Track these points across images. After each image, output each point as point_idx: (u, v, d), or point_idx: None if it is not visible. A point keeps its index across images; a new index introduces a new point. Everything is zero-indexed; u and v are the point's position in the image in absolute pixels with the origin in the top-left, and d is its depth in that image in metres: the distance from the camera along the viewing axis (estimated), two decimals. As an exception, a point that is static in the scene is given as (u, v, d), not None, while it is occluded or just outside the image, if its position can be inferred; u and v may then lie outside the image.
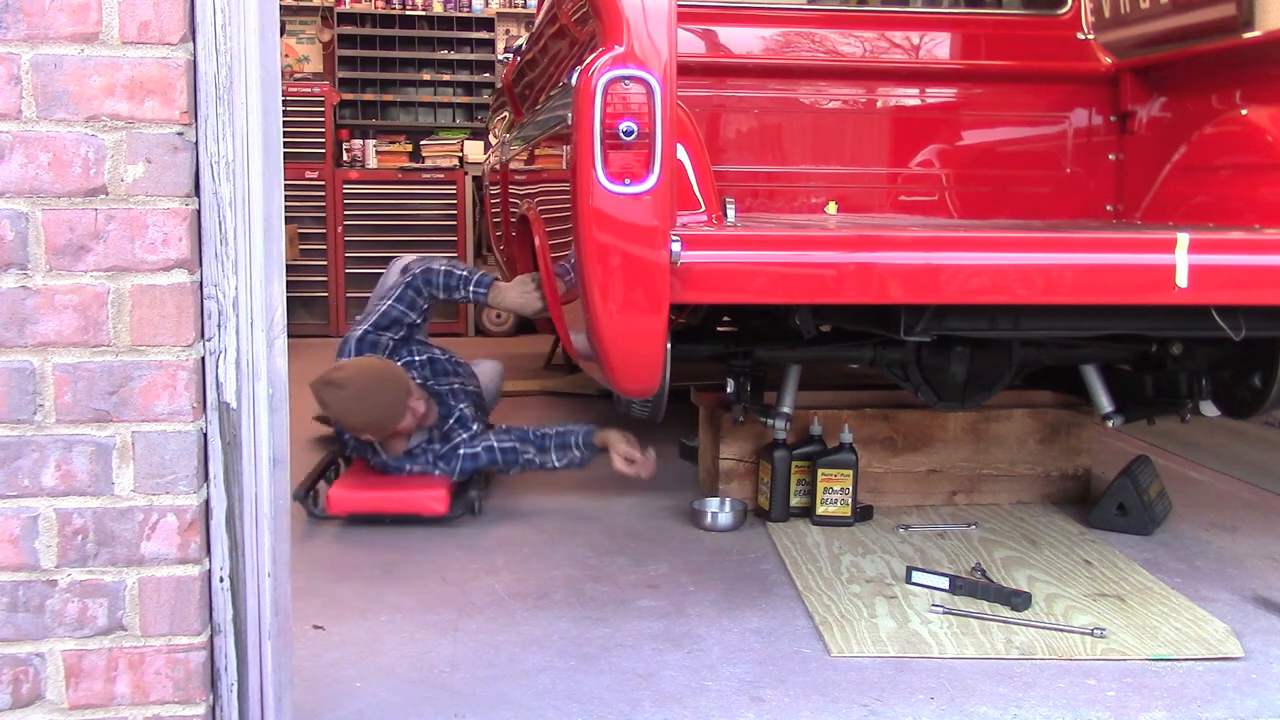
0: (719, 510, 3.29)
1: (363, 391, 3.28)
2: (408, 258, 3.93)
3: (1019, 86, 3.94)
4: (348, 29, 8.09)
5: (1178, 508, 3.44)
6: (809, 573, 2.86)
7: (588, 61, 2.35)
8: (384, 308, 3.56)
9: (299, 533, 1.95)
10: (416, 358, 3.63)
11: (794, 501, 3.29)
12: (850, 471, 3.24)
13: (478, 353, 4.23)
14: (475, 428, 3.57)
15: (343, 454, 3.69)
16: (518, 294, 3.43)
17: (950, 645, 2.41)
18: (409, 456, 3.48)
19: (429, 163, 7.74)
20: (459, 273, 3.49)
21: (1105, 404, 3.28)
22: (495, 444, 3.50)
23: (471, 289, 3.46)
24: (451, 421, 3.55)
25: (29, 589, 1.64)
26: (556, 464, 3.51)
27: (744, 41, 3.96)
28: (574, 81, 2.40)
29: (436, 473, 3.46)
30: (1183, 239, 2.46)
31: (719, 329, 3.71)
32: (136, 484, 1.64)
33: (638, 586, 2.78)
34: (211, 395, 1.67)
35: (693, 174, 2.61)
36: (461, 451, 3.48)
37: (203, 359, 1.66)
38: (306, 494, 3.31)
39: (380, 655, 2.34)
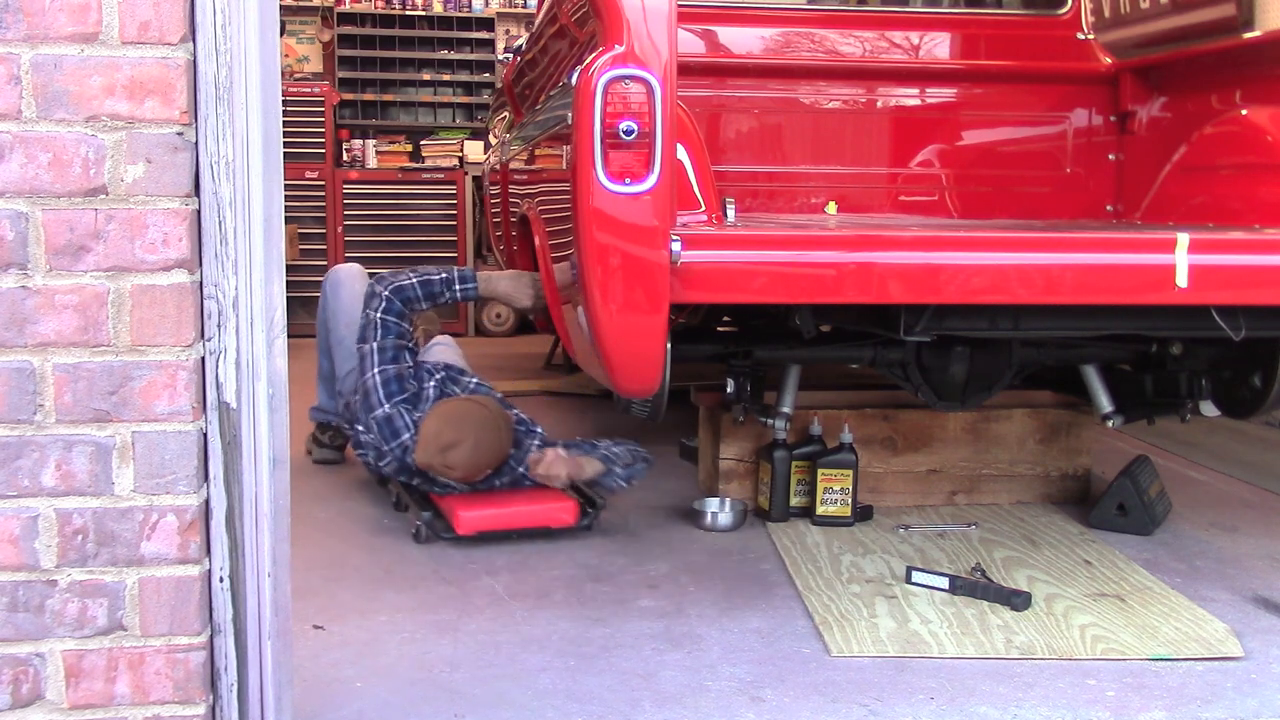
0: (719, 510, 3.28)
1: (481, 437, 3.11)
2: (344, 274, 3.84)
3: (1019, 86, 3.94)
4: (348, 29, 8.08)
5: (1178, 508, 3.44)
6: (809, 573, 2.86)
7: (588, 61, 2.35)
8: (379, 344, 3.28)
9: (299, 533, 1.95)
10: (436, 374, 3.45)
11: (794, 501, 3.29)
12: (850, 471, 3.24)
13: (480, 352, 4.21)
14: (540, 430, 3.40)
15: (382, 481, 3.51)
16: (510, 284, 3.36)
17: (950, 645, 2.41)
18: (497, 473, 3.26)
19: (429, 163, 7.74)
20: (436, 278, 3.30)
21: (1105, 404, 3.27)
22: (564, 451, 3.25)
23: (458, 288, 3.32)
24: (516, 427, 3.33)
25: (29, 589, 1.64)
26: (620, 479, 3.27)
27: (744, 41, 3.96)
28: (574, 81, 2.40)
29: (527, 483, 3.25)
30: (1183, 239, 2.46)
31: (719, 329, 3.70)
32: (136, 484, 1.64)
33: (638, 586, 2.78)
34: (211, 395, 1.67)
35: (693, 174, 2.61)
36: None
37: (203, 359, 1.66)
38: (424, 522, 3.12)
39: (380, 655, 2.34)
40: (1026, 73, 3.93)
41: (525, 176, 3.75)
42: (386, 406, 3.25)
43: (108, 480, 1.64)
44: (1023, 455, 3.50)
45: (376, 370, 3.28)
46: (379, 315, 3.30)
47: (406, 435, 3.21)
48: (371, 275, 3.55)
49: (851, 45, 3.96)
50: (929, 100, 4.00)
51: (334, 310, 3.82)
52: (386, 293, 3.30)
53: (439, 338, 4.09)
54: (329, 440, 3.94)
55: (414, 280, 3.31)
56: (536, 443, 3.31)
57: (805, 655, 2.38)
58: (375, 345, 3.30)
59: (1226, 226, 3.07)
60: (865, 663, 2.33)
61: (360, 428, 3.36)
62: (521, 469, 3.26)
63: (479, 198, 7.08)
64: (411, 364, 3.38)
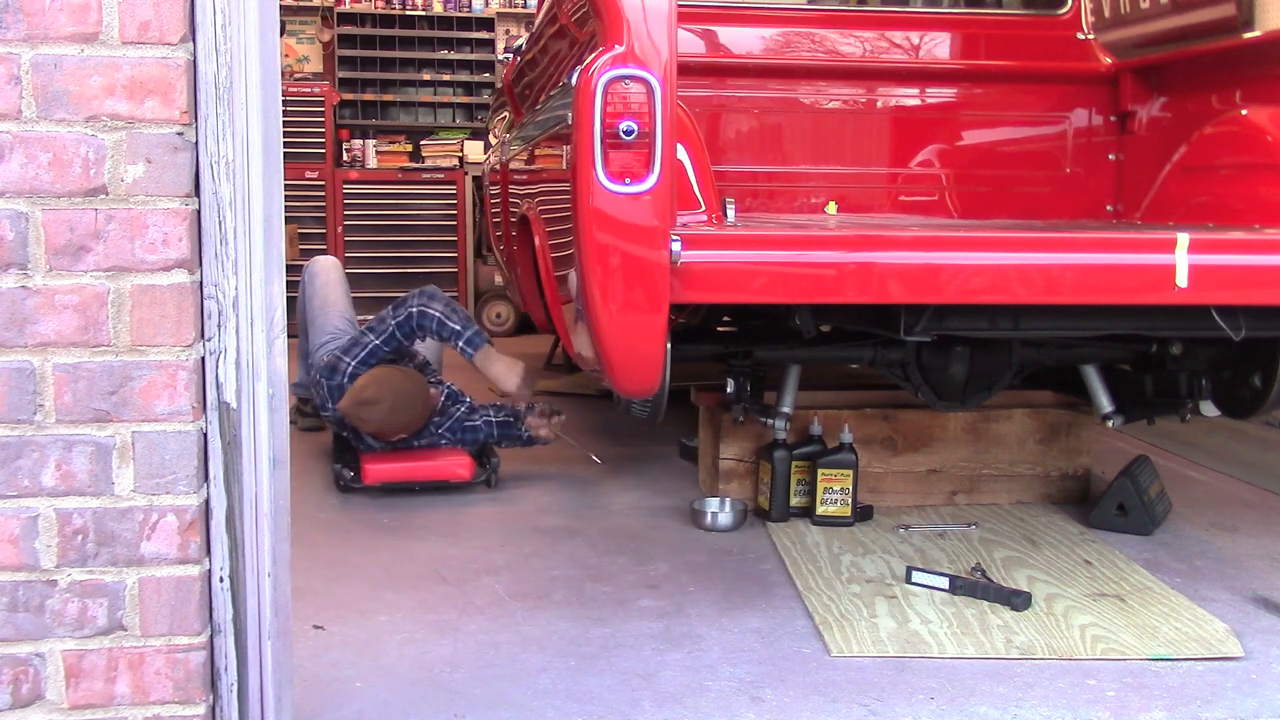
0: (719, 510, 3.28)
1: (396, 403, 3.56)
2: (321, 264, 4.38)
3: (1019, 86, 3.94)
4: (348, 29, 8.08)
5: (1178, 508, 3.44)
6: (809, 573, 2.86)
7: (588, 61, 2.35)
8: (371, 344, 3.69)
9: (299, 533, 1.95)
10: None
11: (794, 501, 3.29)
12: (850, 471, 3.24)
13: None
14: (469, 400, 3.85)
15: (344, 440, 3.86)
16: (502, 369, 3.64)
17: (950, 645, 2.41)
18: (415, 435, 3.70)
19: (429, 163, 7.74)
20: (453, 325, 3.61)
21: (1105, 404, 3.27)
22: (493, 418, 3.80)
23: (460, 344, 3.62)
24: (443, 399, 3.82)
25: (29, 589, 1.64)
26: (523, 436, 3.80)
27: (744, 41, 3.96)
28: (574, 81, 2.40)
29: (443, 444, 3.73)
30: (1183, 239, 2.46)
31: (719, 329, 3.70)
32: (136, 484, 1.64)
33: (638, 586, 2.78)
34: (211, 395, 1.67)
35: (693, 174, 2.61)
36: (465, 424, 3.77)
37: (203, 359, 1.66)
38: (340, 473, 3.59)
39: (380, 655, 2.34)
40: (1026, 73, 3.93)
41: (525, 176, 3.75)
42: (345, 359, 3.69)
43: (108, 480, 1.64)
44: (1023, 455, 3.50)
45: (357, 362, 3.68)
46: (394, 324, 3.67)
47: (343, 379, 3.65)
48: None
49: (851, 45, 3.96)
50: (929, 100, 4.00)
51: (311, 293, 4.28)
52: (415, 308, 3.64)
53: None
54: (312, 409, 4.30)
55: (438, 314, 3.63)
56: (464, 408, 3.82)
57: (805, 655, 2.38)
58: (374, 344, 3.69)
59: (1226, 226, 3.07)
60: (865, 663, 2.33)
61: (323, 379, 3.74)
62: (441, 431, 3.74)
63: (479, 198, 7.08)
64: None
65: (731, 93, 3.86)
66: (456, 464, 3.62)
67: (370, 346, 3.69)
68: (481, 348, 3.62)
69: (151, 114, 1.60)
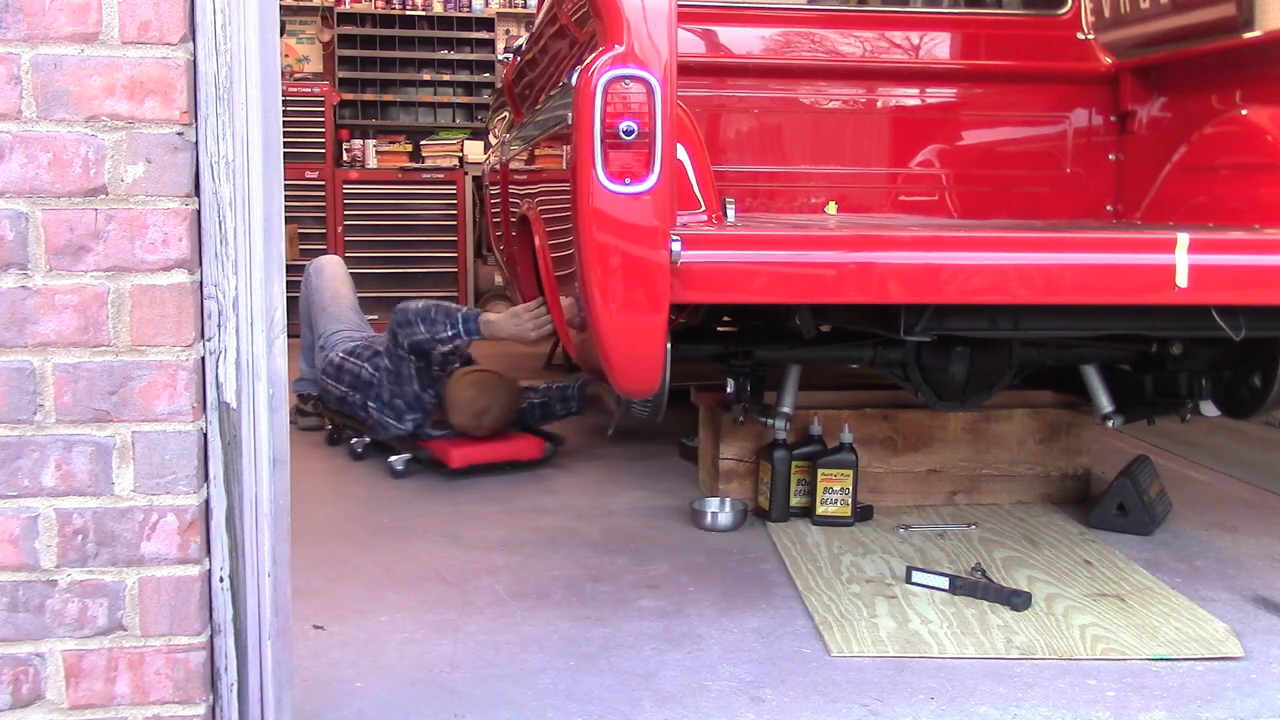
0: (719, 510, 3.28)
1: (505, 404, 3.88)
2: (326, 260, 4.65)
3: (1019, 86, 3.94)
4: (348, 29, 8.09)
5: (1178, 508, 3.44)
6: (809, 573, 2.86)
7: (588, 61, 2.35)
8: (411, 371, 3.82)
9: (299, 533, 1.95)
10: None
11: (794, 501, 3.29)
12: (850, 471, 3.24)
13: (480, 352, 4.23)
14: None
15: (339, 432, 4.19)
16: (509, 327, 3.65)
17: (950, 645, 2.41)
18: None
19: (429, 163, 7.74)
20: (445, 332, 3.68)
21: (1105, 404, 3.27)
22: (535, 400, 4.10)
23: (460, 328, 3.67)
24: None
25: (29, 589, 1.64)
26: (560, 413, 4.12)
27: (744, 41, 3.96)
28: (574, 81, 2.40)
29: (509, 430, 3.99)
30: (1183, 239, 2.45)
31: (719, 329, 3.71)
32: (136, 484, 1.64)
33: (638, 586, 2.78)
34: (211, 395, 1.67)
35: (693, 174, 2.61)
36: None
37: (203, 359, 1.66)
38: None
39: (380, 655, 2.34)
40: (1026, 73, 3.93)
41: (525, 176, 3.75)
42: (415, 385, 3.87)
43: (108, 480, 1.64)
44: (1023, 455, 3.50)
45: (394, 389, 3.86)
46: (394, 350, 3.81)
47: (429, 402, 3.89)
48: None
49: (851, 45, 3.96)
50: (929, 100, 4.00)
51: (317, 286, 4.51)
52: (405, 341, 3.75)
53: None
54: (313, 409, 4.48)
55: (423, 335, 3.71)
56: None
57: (805, 655, 2.38)
58: (408, 369, 3.82)
59: (1226, 226, 3.07)
60: (865, 663, 2.33)
61: (382, 394, 3.91)
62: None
63: (479, 198, 7.08)
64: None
65: (731, 93, 3.86)
66: (530, 445, 3.92)
67: (402, 374, 3.81)
68: (480, 326, 3.68)
69: (151, 114, 1.60)
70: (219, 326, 1.67)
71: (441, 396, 3.89)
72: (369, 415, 3.94)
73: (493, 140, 5.50)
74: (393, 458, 3.83)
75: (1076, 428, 3.53)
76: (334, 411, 4.24)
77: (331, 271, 4.58)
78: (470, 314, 3.71)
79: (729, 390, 3.15)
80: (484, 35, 8.18)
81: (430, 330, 3.69)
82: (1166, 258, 2.46)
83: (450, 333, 3.67)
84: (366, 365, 4.01)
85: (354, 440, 4.06)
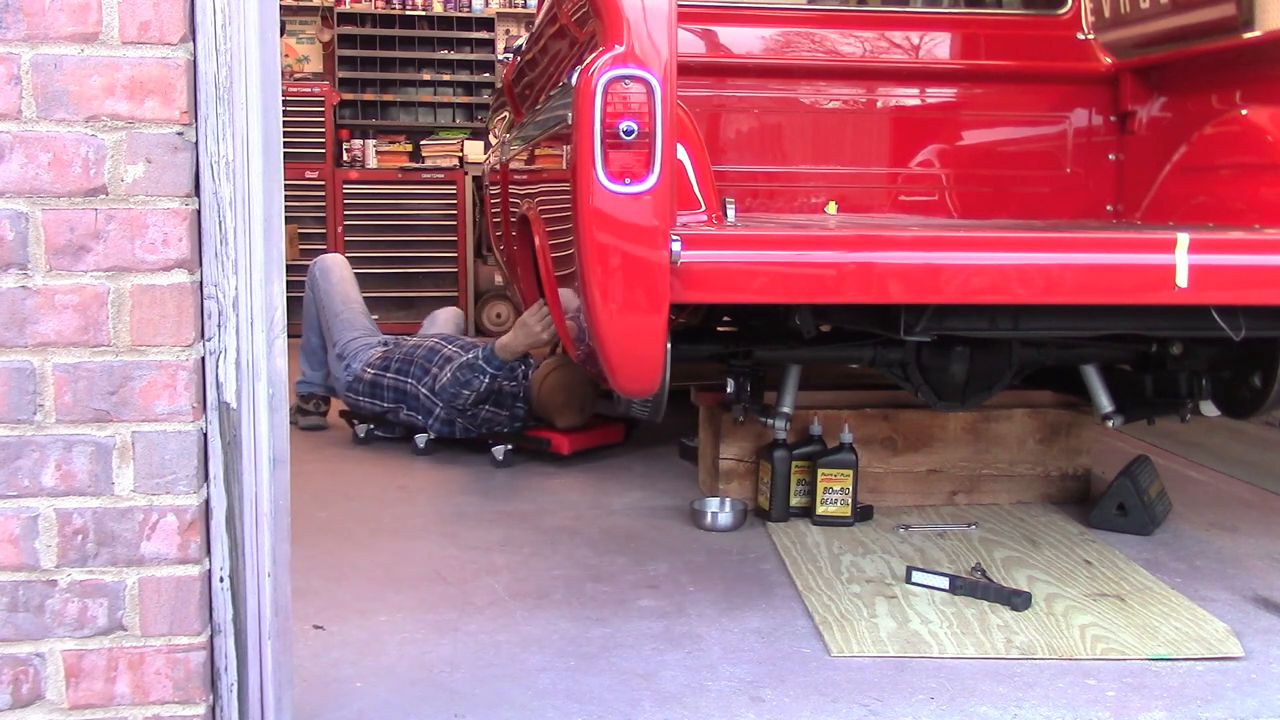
0: (719, 510, 3.28)
1: (588, 397, 4.05)
2: (330, 260, 4.66)
3: (1019, 86, 3.94)
4: (348, 29, 8.08)
5: (1178, 508, 3.44)
6: (809, 573, 2.86)
7: (588, 61, 2.35)
8: (471, 400, 3.94)
9: (299, 533, 1.95)
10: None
11: (794, 501, 3.29)
12: (850, 471, 3.24)
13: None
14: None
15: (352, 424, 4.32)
16: (522, 338, 3.76)
17: (950, 645, 2.41)
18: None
19: (429, 163, 7.74)
20: (477, 377, 3.84)
21: (1105, 404, 3.27)
22: None
23: (488, 370, 3.84)
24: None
25: (29, 589, 1.64)
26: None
27: (744, 41, 3.96)
28: (574, 81, 2.40)
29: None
30: (1183, 239, 2.45)
31: (719, 329, 3.71)
32: (136, 484, 1.64)
33: (638, 586, 2.78)
34: (211, 395, 1.67)
35: (693, 174, 2.61)
36: None
37: (203, 359, 1.66)
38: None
39: (380, 655, 2.34)
40: (1026, 73, 3.93)
41: (525, 176, 3.75)
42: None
43: (108, 480, 1.64)
44: (1023, 455, 3.50)
45: (468, 405, 3.98)
46: (484, 406, 4.00)
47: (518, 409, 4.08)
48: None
49: (851, 45, 3.96)
50: (929, 100, 4.00)
51: (326, 290, 4.52)
52: (445, 410, 3.99)
53: (446, 309, 5.01)
54: (314, 408, 4.54)
55: (449, 389, 3.91)
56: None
57: (805, 655, 2.38)
58: (468, 397, 3.93)
59: (1226, 226, 3.07)
60: (865, 663, 2.33)
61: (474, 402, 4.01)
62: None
63: (479, 198, 7.08)
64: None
65: (731, 93, 3.86)
66: (616, 431, 4.20)
67: (466, 402, 3.92)
68: (499, 354, 3.84)
69: (151, 114, 1.60)
70: (219, 326, 1.67)
71: (529, 403, 4.07)
72: (453, 431, 4.07)
73: (493, 140, 5.51)
74: (495, 447, 3.96)
75: (1076, 428, 3.53)
76: (374, 417, 4.31)
77: (339, 274, 4.60)
78: (486, 353, 3.87)
79: (729, 390, 3.15)
80: (484, 35, 8.18)
81: (473, 387, 3.86)
82: (1166, 258, 2.46)
83: (486, 379, 3.85)
84: (424, 391, 4.07)
85: (495, 446, 4.04)
